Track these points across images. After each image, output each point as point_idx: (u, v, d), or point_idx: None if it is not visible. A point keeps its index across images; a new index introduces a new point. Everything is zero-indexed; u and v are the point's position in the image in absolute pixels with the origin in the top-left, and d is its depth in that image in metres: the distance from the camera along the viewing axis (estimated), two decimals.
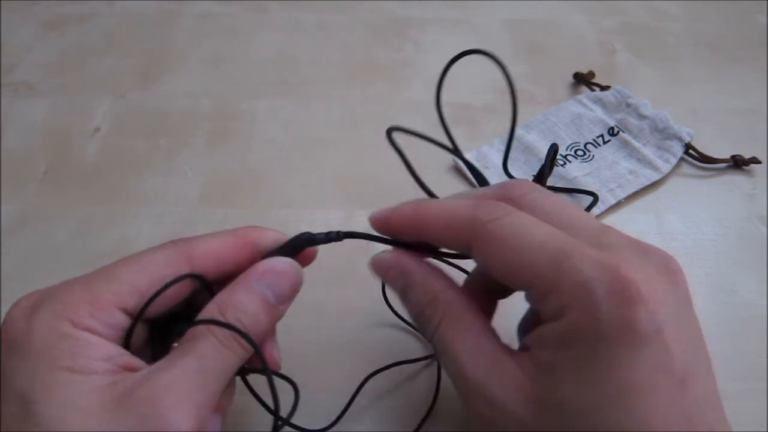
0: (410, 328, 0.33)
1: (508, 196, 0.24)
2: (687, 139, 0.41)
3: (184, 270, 0.24)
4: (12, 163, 0.42)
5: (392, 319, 0.33)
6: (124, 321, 0.23)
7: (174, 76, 0.48)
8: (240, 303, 0.23)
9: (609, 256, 0.21)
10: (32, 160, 0.42)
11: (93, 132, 0.44)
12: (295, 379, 0.25)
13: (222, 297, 0.24)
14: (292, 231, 0.38)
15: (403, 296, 0.25)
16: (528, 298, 0.23)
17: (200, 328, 0.23)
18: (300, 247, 0.26)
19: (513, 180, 0.30)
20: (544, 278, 0.21)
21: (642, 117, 0.43)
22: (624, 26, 0.53)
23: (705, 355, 0.22)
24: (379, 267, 0.26)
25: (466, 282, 0.28)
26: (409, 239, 0.25)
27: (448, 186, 0.37)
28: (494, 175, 0.40)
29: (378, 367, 0.31)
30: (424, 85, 0.47)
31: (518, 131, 0.43)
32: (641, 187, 0.40)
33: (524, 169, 0.41)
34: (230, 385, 0.25)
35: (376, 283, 0.28)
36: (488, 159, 0.41)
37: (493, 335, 0.23)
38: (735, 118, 0.45)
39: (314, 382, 0.29)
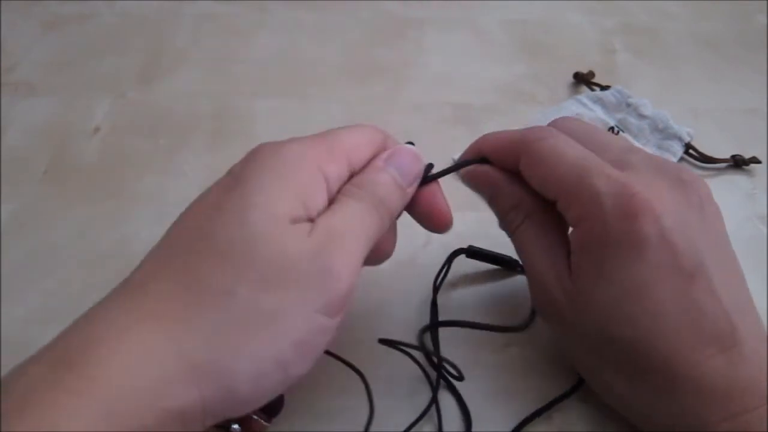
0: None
1: (553, 124, 0.29)
2: (687, 139, 0.41)
3: (380, 141, 0.27)
4: (12, 163, 0.42)
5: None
6: (343, 179, 0.25)
7: (174, 76, 0.48)
8: (374, 179, 0.25)
9: (623, 174, 0.25)
10: (32, 160, 0.42)
11: (93, 132, 0.44)
12: None
13: (356, 178, 0.26)
14: None
15: (491, 201, 0.30)
16: (558, 207, 0.27)
17: (352, 192, 0.25)
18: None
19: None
20: (568, 192, 0.25)
21: (642, 117, 0.43)
22: (624, 26, 0.53)
23: (724, 250, 0.26)
24: (471, 177, 0.30)
25: None
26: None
27: (448, 183, 0.37)
28: None
29: None
30: (424, 85, 0.47)
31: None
32: None
33: None
34: (393, 229, 0.28)
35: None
36: None
37: (563, 237, 0.27)
38: (735, 118, 0.45)
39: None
